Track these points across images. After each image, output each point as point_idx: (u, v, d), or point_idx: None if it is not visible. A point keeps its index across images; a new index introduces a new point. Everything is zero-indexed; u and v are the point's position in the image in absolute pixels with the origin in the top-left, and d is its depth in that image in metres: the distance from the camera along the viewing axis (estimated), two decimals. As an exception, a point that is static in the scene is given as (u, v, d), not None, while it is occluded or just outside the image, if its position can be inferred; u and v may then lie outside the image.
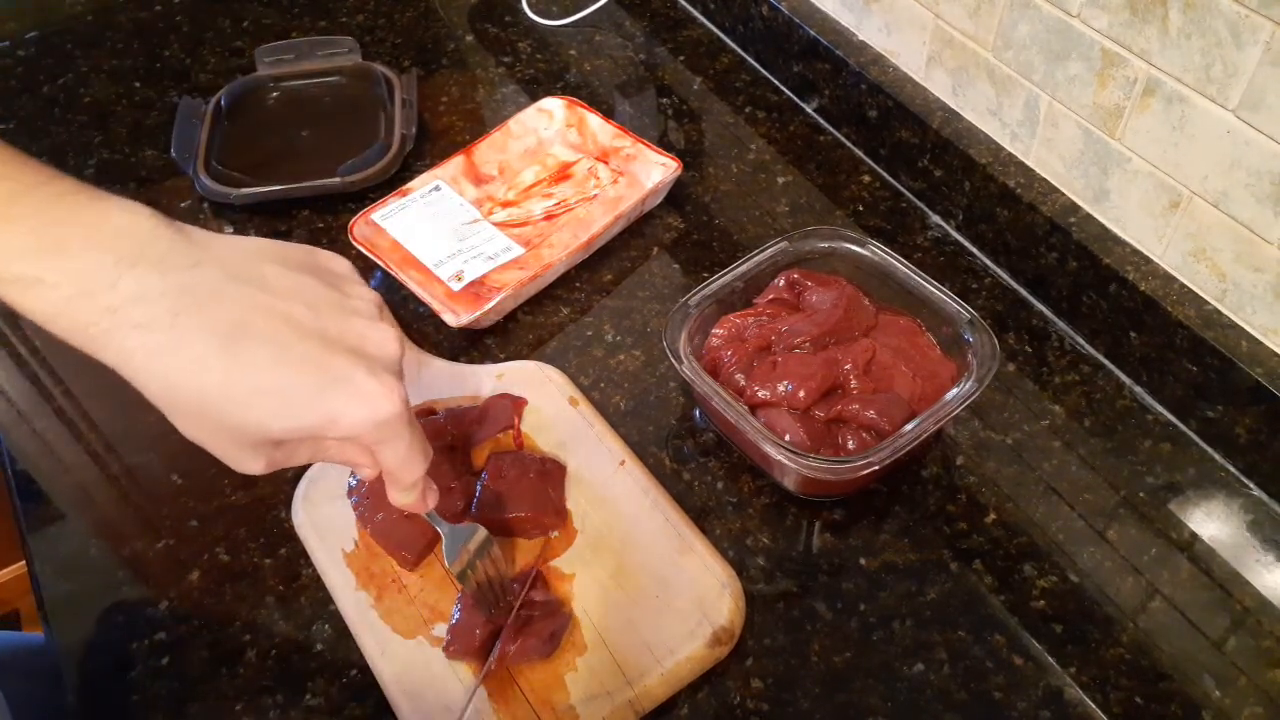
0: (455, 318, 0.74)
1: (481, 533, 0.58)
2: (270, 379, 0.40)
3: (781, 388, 0.63)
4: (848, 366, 0.65)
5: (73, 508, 0.68)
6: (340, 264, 0.47)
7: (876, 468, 0.58)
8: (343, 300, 0.44)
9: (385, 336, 0.45)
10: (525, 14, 1.06)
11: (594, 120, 0.88)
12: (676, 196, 0.86)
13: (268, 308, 0.41)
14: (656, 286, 0.80)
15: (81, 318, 0.38)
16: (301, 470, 0.66)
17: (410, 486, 0.49)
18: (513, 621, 0.56)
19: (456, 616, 0.58)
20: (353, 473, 0.64)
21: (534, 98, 0.93)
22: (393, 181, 0.86)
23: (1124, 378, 0.72)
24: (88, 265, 0.38)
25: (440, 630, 0.59)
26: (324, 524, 0.64)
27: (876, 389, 0.64)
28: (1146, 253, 0.70)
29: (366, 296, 0.46)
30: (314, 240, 0.84)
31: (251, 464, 0.43)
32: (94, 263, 0.38)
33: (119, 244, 0.39)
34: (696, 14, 1.05)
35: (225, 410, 0.40)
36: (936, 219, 0.84)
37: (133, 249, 0.39)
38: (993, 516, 0.65)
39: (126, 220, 0.40)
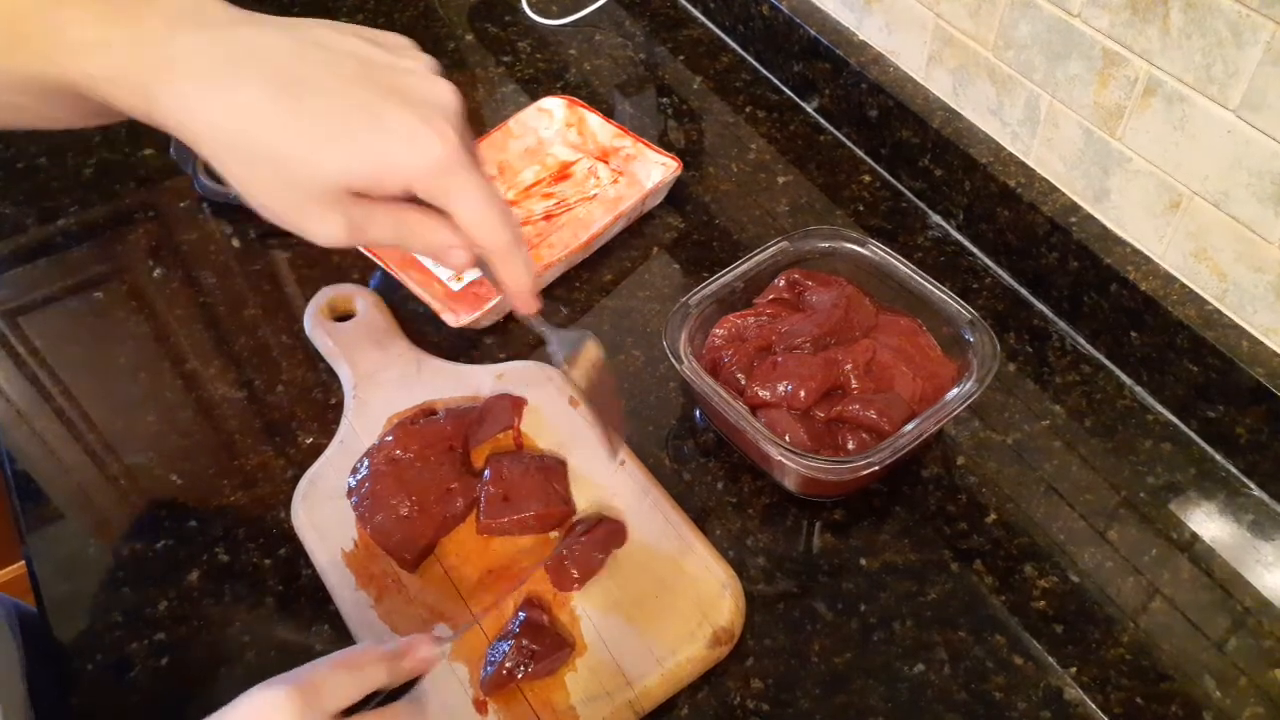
0: (455, 318, 0.73)
1: (592, 340, 0.55)
2: (325, 123, 0.41)
3: (782, 388, 0.63)
4: (848, 366, 0.65)
5: (72, 508, 0.68)
6: (397, 37, 0.47)
7: (876, 468, 0.58)
8: (396, 60, 0.44)
9: (439, 87, 0.44)
10: (525, 13, 1.06)
11: (594, 120, 0.88)
12: (676, 196, 0.86)
13: (322, 61, 0.42)
14: (656, 286, 0.80)
15: (143, 75, 0.40)
16: (301, 470, 0.66)
17: (503, 256, 0.46)
18: (517, 653, 0.56)
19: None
20: (353, 472, 0.64)
21: (534, 97, 0.93)
22: (393, 181, 0.86)
23: (1124, 378, 0.72)
24: (145, 28, 0.40)
25: (440, 630, 0.59)
26: (324, 524, 0.63)
27: (877, 389, 0.64)
28: (1147, 253, 0.70)
29: (421, 58, 0.46)
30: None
31: (332, 224, 0.43)
32: (151, 25, 0.40)
33: (172, 9, 0.41)
34: (696, 13, 1.05)
35: (283, 155, 0.41)
36: (937, 219, 0.84)
37: (186, 13, 0.41)
38: (993, 517, 0.65)
39: None
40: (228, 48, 0.41)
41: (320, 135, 0.41)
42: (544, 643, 0.56)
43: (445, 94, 0.44)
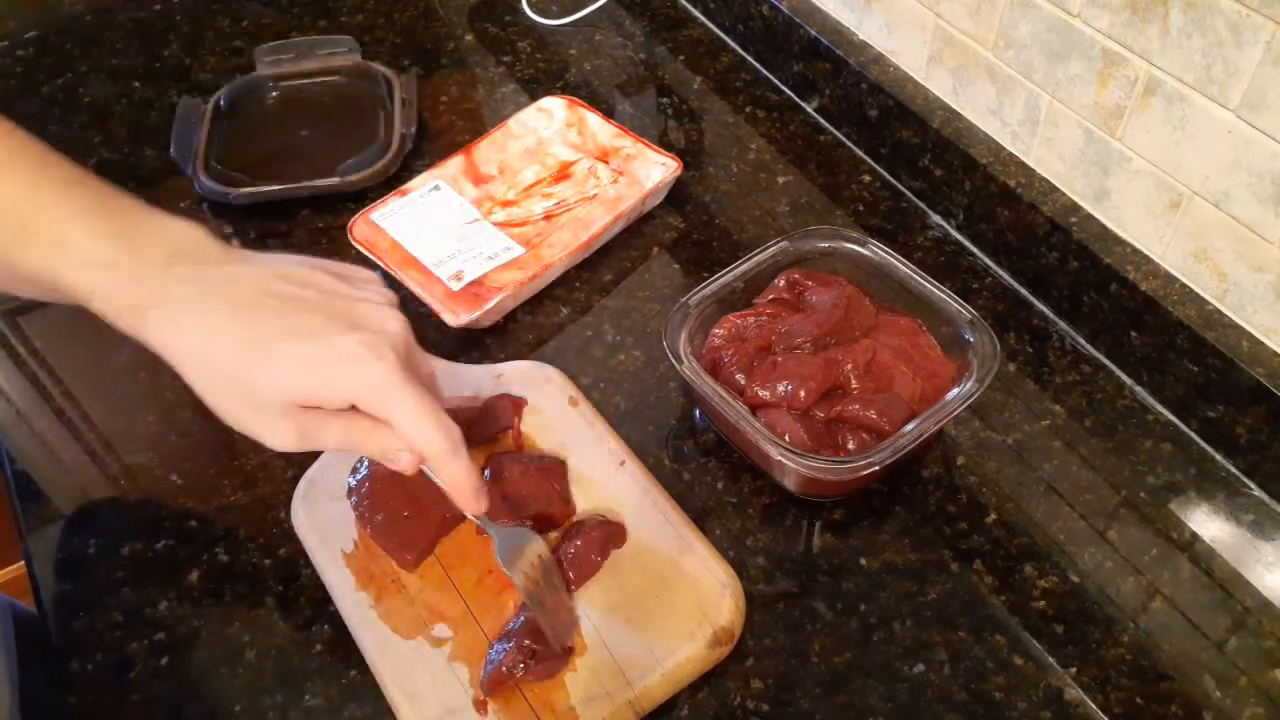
0: (455, 318, 0.73)
1: (533, 537, 0.59)
2: (276, 341, 0.47)
3: (781, 388, 0.63)
4: (848, 367, 0.65)
5: (72, 508, 0.68)
6: (364, 272, 0.53)
7: (876, 468, 0.58)
8: (354, 292, 0.51)
9: (385, 315, 0.50)
10: (525, 13, 1.05)
11: (594, 120, 0.88)
12: (676, 196, 0.86)
13: (283, 292, 0.48)
14: (656, 286, 0.80)
15: (138, 299, 0.46)
16: (301, 470, 0.66)
17: (441, 462, 0.50)
18: (517, 653, 0.56)
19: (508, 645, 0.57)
20: (353, 472, 0.64)
21: (534, 97, 0.93)
22: (392, 181, 0.86)
23: (1125, 378, 0.72)
24: (146, 256, 0.47)
25: (440, 631, 0.59)
26: (324, 524, 0.63)
27: (877, 389, 0.64)
28: (1147, 252, 0.70)
29: (380, 291, 0.52)
30: (313, 240, 0.84)
31: (283, 434, 0.48)
32: (152, 255, 0.47)
33: (176, 243, 0.48)
34: (696, 13, 1.05)
35: (241, 375, 0.46)
36: (937, 219, 0.84)
37: (185, 248, 0.48)
38: (993, 516, 0.65)
39: (183, 229, 0.49)
40: (209, 284, 0.47)
41: (271, 357, 0.47)
42: (544, 642, 0.56)
43: (393, 323, 0.50)
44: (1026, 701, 0.57)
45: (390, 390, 0.48)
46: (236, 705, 0.58)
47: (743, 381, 0.65)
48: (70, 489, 0.69)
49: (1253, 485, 0.66)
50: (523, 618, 0.58)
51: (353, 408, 0.48)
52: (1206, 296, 0.67)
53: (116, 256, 0.46)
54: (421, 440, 0.49)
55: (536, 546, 0.59)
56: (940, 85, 0.82)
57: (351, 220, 0.80)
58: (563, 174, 0.87)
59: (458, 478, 0.51)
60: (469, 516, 0.56)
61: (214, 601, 0.62)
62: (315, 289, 0.49)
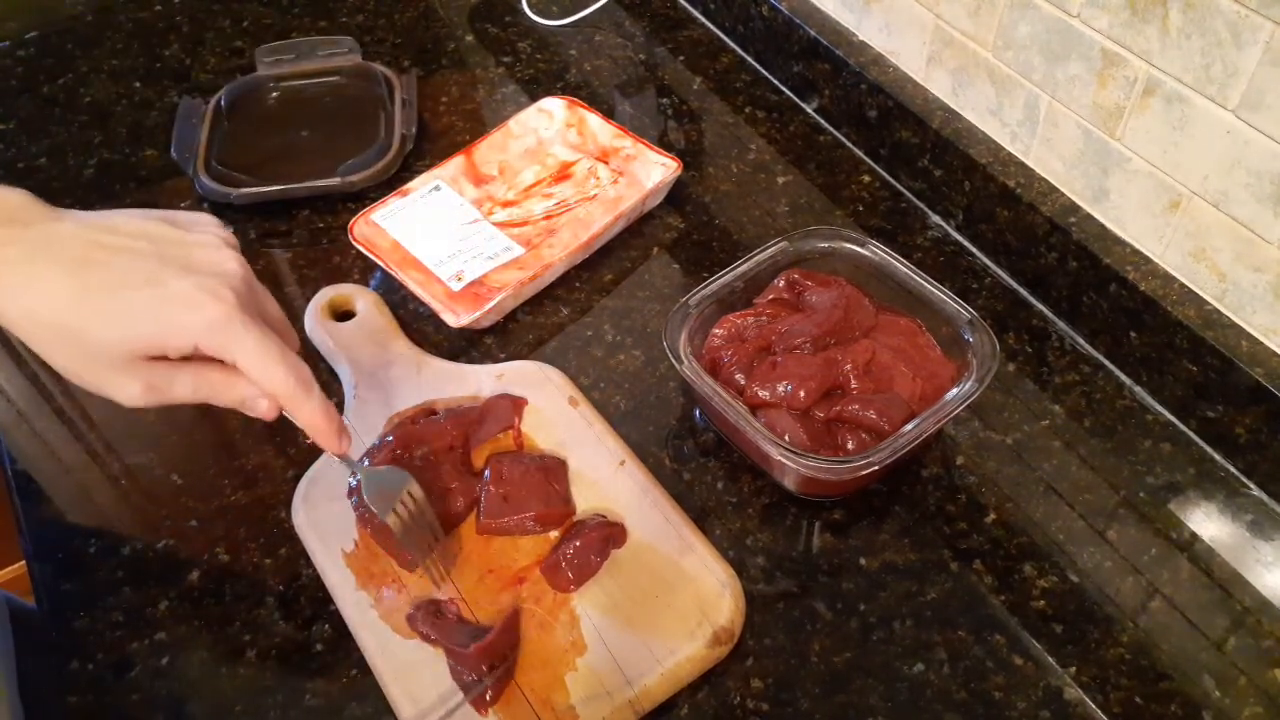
0: (455, 318, 0.74)
1: (404, 476, 0.59)
2: (108, 294, 0.46)
3: (781, 388, 0.63)
4: (848, 367, 0.65)
5: (72, 508, 0.68)
6: (198, 216, 0.52)
7: (876, 468, 0.58)
8: (185, 236, 0.50)
9: (220, 256, 0.49)
10: (525, 14, 1.06)
11: (594, 120, 0.88)
12: (676, 196, 0.86)
13: (112, 244, 0.47)
14: (656, 286, 0.80)
15: None
16: (301, 470, 0.66)
17: (292, 401, 0.50)
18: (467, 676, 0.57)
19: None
20: (352, 473, 0.64)
21: (534, 98, 0.93)
22: (393, 181, 0.86)
23: (1124, 378, 0.72)
24: None
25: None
26: (324, 524, 0.64)
27: (876, 389, 0.64)
28: (1146, 253, 0.70)
29: (213, 232, 0.51)
30: (314, 240, 0.84)
31: (129, 387, 0.48)
32: None
33: None
34: (696, 14, 1.05)
35: (76, 329, 0.46)
36: (936, 219, 0.84)
37: (9, 213, 0.47)
38: (993, 516, 0.65)
39: (6, 194, 0.47)
40: (33, 243, 0.46)
41: (105, 308, 0.46)
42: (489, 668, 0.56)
43: (229, 262, 0.49)
44: (1026, 701, 0.57)
45: (230, 331, 0.47)
46: (237, 705, 0.58)
47: (742, 381, 0.65)
48: (70, 489, 0.69)
49: (1252, 485, 0.66)
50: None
51: (200, 357, 0.48)
52: (1206, 296, 0.67)
53: None
54: (268, 381, 0.49)
55: (408, 485, 0.58)
56: (940, 86, 0.82)
57: (352, 220, 0.80)
58: (563, 174, 0.87)
59: (313, 416, 0.51)
60: (332, 457, 0.56)
61: (214, 601, 0.62)
62: (146, 238, 0.48)
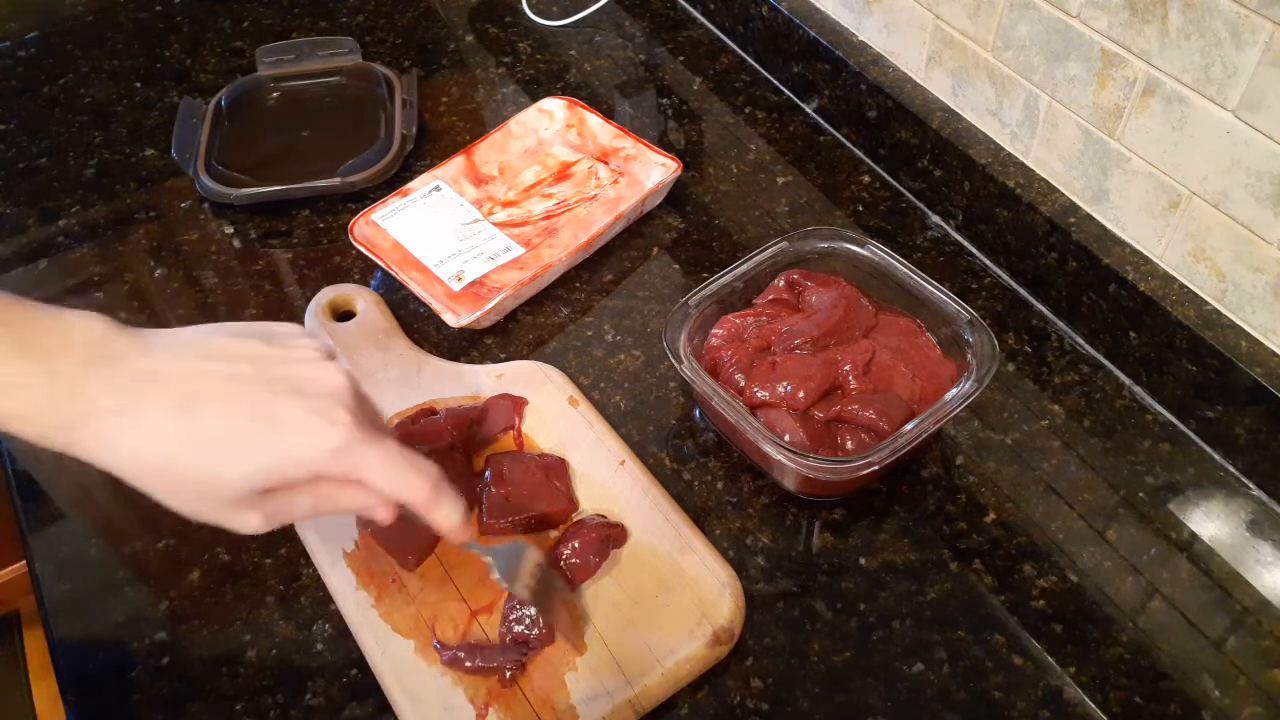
0: (455, 318, 0.74)
1: (523, 546, 0.58)
2: (222, 432, 0.44)
3: (781, 388, 0.63)
4: (847, 367, 0.65)
5: (73, 508, 0.68)
6: (287, 327, 0.50)
7: (876, 468, 0.59)
8: (286, 354, 0.47)
9: (325, 373, 0.47)
10: (525, 14, 1.06)
11: (594, 120, 0.88)
12: (676, 196, 0.86)
13: (213, 373, 0.45)
14: (656, 286, 0.80)
15: (61, 416, 0.42)
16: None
17: (426, 507, 0.49)
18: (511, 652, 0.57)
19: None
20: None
21: (534, 98, 0.93)
22: (393, 182, 0.87)
23: (1124, 378, 0.72)
24: (59, 368, 0.43)
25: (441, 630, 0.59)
26: (324, 524, 0.64)
27: (876, 389, 0.64)
28: (1146, 253, 0.70)
29: (309, 345, 0.49)
30: (314, 240, 0.84)
31: (249, 520, 0.46)
32: (64, 366, 0.43)
33: (83, 345, 0.44)
34: (696, 14, 1.05)
35: (191, 470, 0.44)
36: (936, 219, 0.84)
37: (94, 351, 0.44)
38: (992, 516, 0.65)
39: (84, 327, 0.44)
40: (133, 380, 0.44)
41: (219, 449, 0.44)
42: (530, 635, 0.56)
43: (335, 377, 0.47)
44: (1025, 701, 0.57)
45: (353, 454, 0.46)
46: (237, 705, 0.58)
47: (742, 381, 0.65)
48: (71, 489, 0.69)
49: (1251, 485, 0.66)
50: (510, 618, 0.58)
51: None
52: (1205, 296, 0.67)
53: (27, 377, 0.42)
54: (400, 490, 0.48)
55: (533, 555, 0.58)
56: (939, 86, 0.82)
57: (352, 220, 0.80)
58: (563, 174, 0.87)
59: (446, 517, 0.50)
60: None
61: (214, 601, 0.62)
62: (247, 361, 0.46)
